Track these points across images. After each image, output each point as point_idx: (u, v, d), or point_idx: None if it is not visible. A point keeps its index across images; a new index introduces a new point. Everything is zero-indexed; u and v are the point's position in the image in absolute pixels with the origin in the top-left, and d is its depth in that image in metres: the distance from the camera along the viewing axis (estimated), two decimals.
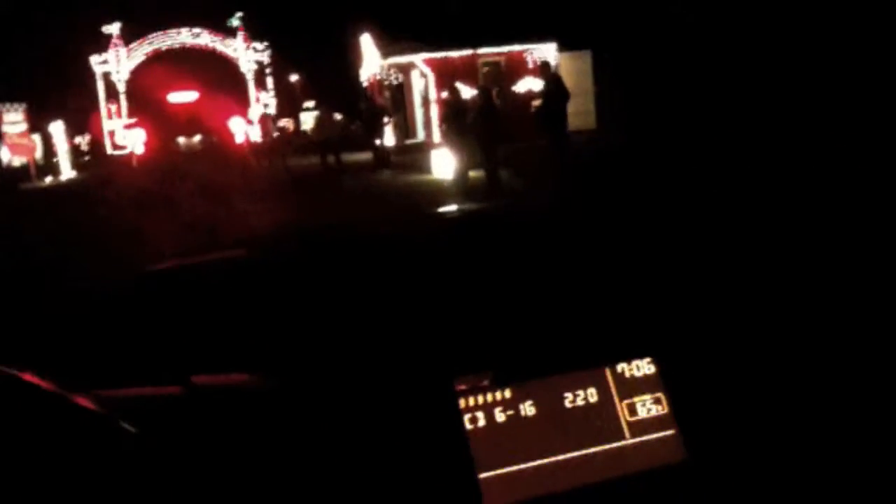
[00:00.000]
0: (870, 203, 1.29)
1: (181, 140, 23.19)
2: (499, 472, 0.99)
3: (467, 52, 19.25)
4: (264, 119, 21.09)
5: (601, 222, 1.23)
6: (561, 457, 0.99)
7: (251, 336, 1.10)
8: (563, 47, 18.84)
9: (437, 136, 18.82)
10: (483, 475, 0.98)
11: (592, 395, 1.00)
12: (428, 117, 19.98)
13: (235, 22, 21.52)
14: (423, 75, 19.90)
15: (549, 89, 10.58)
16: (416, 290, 1.12)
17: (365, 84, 23.53)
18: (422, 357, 1.04)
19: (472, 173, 10.53)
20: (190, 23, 21.12)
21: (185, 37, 21.06)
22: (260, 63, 21.70)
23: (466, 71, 19.48)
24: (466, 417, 1.00)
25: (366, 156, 17.15)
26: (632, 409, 1.01)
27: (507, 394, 1.01)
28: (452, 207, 1.49)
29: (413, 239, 1.22)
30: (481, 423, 0.99)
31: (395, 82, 19.92)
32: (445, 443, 0.99)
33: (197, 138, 23.22)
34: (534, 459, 0.99)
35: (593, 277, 1.13)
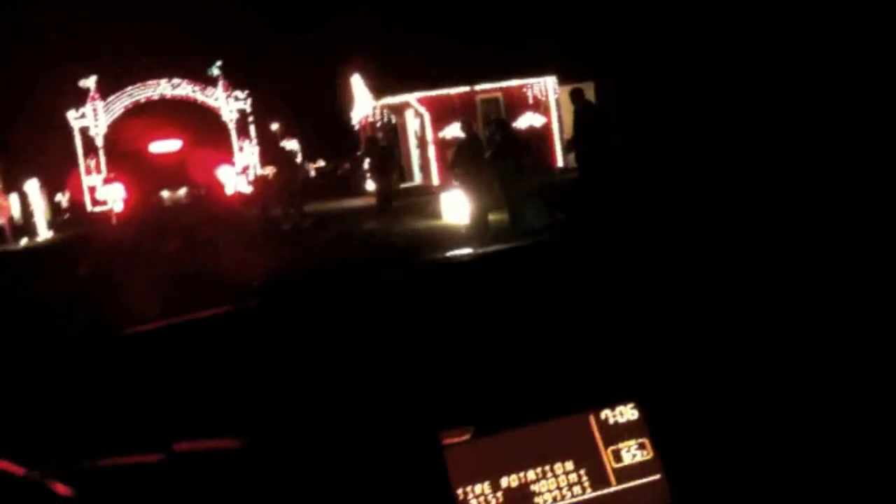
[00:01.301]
0: (862, 238, 1.36)
1: (165, 194, 23.24)
2: None
3: (464, 88, 19.62)
4: (246, 169, 21.46)
5: (584, 266, 1.31)
6: None
7: (237, 396, 1.17)
8: (563, 80, 19.22)
9: (436, 178, 19.08)
10: None
11: (576, 442, 1.07)
12: (425, 158, 20.27)
13: (215, 71, 22.15)
14: (418, 115, 20.27)
15: (582, 117, 10.45)
16: (398, 342, 1.19)
17: (356, 127, 23.96)
18: (407, 412, 1.10)
19: (491, 215, 10.44)
20: (169, 73, 21.69)
21: (164, 88, 21.64)
22: (242, 111, 22.25)
23: (464, 108, 19.85)
24: (451, 468, 1.06)
25: (359, 201, 17.34)
26: (617, 456, 1.08)
27: (491, 443, 1.07)
28: (458, 251, 1.57)
29: (394, 289, 1.30)
30: (465, 473, 1.06)
31: (388, 123, 20.27)
32: (431, 496, 1.05)
33: (182, 191, 23.27)
34: None
35: (576, 323, 1.21)
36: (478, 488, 1.05)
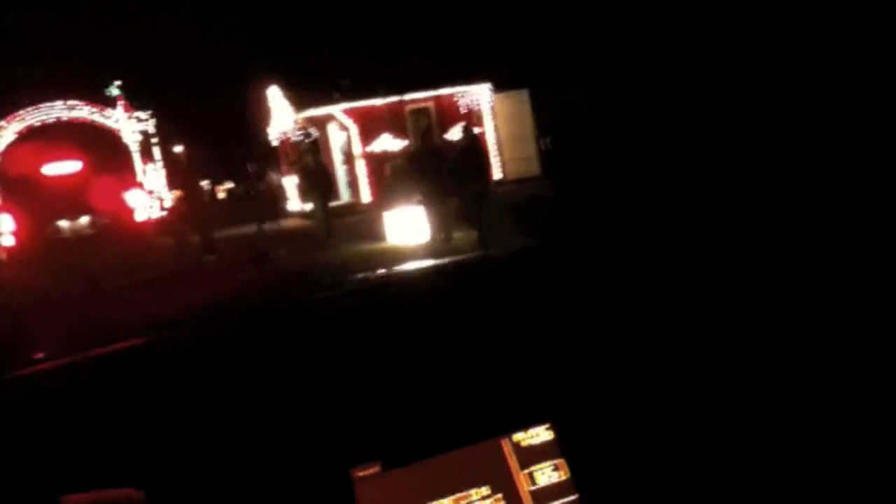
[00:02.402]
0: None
1: (64, 224, 21.87)
2: None
3: (393, 99, 19.69)
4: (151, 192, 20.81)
5: (495, 288, 1.38)
6: None
7: (136, 441, 1.17)
8: (497, 87, 19.53)
9: (366, 195, 19.06)
10: None
11: (491, 466, 1.13)
12: (353, 175, 20.21)
13: (115, 91, 21.61)
14: (344, 128, 20.21)
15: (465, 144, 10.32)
16: (305, 375, 1.23)
17: (275, 143, 23.69)
18: (315, 447, 1.14)
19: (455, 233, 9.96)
20: (65, 95, 21.05)
21: (59, 110, 21.01)
22: (145, 133, 21.73)
23: (393, 120, 19.92)
24: (362, 501, 1.10)
25: (289, 222, 17.07)
26: (532, 479, 1.14)
27: (403, 475, 1.12)
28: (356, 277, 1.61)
29: (299, 320, 1.34)
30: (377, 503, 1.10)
31: (309, 138, 20.11)
32: None
33: (84, 220, 21.94)
34: None
35: (487, 346, 1.27)
36: None
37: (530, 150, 19.43)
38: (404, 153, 16.69)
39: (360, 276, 1.61)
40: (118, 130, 21.08)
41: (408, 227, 11.20)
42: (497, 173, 20.08)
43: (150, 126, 21.44)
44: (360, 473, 1.11)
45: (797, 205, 1.68)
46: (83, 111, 21.00)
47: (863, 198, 1.68)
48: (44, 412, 1.18)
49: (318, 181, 13.41)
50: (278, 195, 20.93)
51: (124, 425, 1.18)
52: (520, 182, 18.08)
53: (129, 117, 21.15)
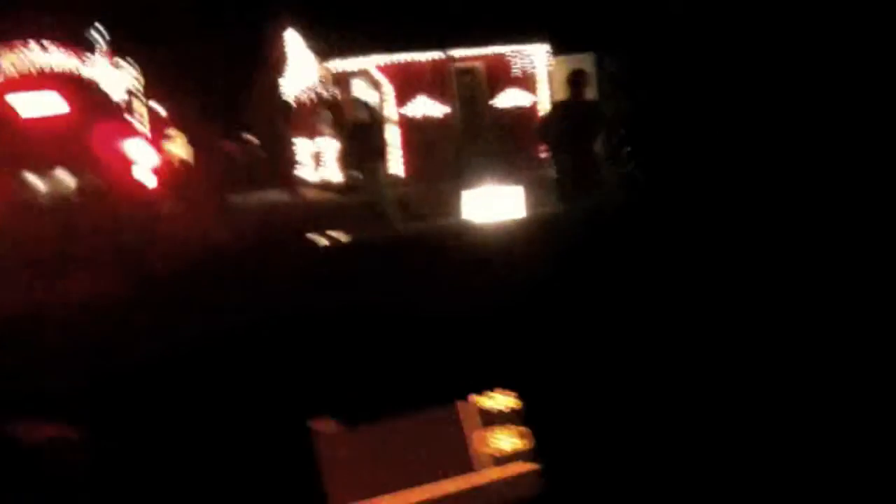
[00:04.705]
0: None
1: (37, 182, 17.87)
2: None
3: (435, 55, 19.47)
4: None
5: (472, 256, 1.70)
6: (422, 492, 1.44)
7: (83, 378, 1.43)
8: (557, 50, 19.28)
9: (397, 167, 19.09)
10: None
11: (454, 428, 1.47)
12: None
13: (96, 35, 21.46)
14: (376, 86, 20.06)
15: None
16: (271, 330, 1.56)
17: (288, 100, 23.46)
18: (276, 398, 1.47)
19: None
20: (41, 37, 21.15)
21: (36, 54, 21.14)
22: (129, 83, 21.37)
23: (435, 80, 19.77)
24: (321, 455, 1.43)
25: (312, 193, 17.09)
26: (493, 443, 1.49)
27: (365, 432, 1.45)
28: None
29: (269, 273, 1.68)
30: (336, 460, 1.44)
31: (332, 97, 19.78)
32: (300, 481, 1.41)
33: (68, 180, 17.92)
34: (394, 494, 1.43)
35: (458, 308, 1.60)
36: (351, 479, 1.42)
37: None
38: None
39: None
40: (97, 80, 20.80)
41: (497, 210, 10.71)
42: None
43: (136, 75, 21.05)
44: (322, 428, 1.45)
45: (798, 204, 1.98)
46: (60, 56, 21.04)
47: (863, 198, 1.97)
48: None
49: (377, 147, 13.11)
50: (283, 160, 20.89)
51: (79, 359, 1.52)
52: None
53: (112, 65, 20.82)
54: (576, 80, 10.08)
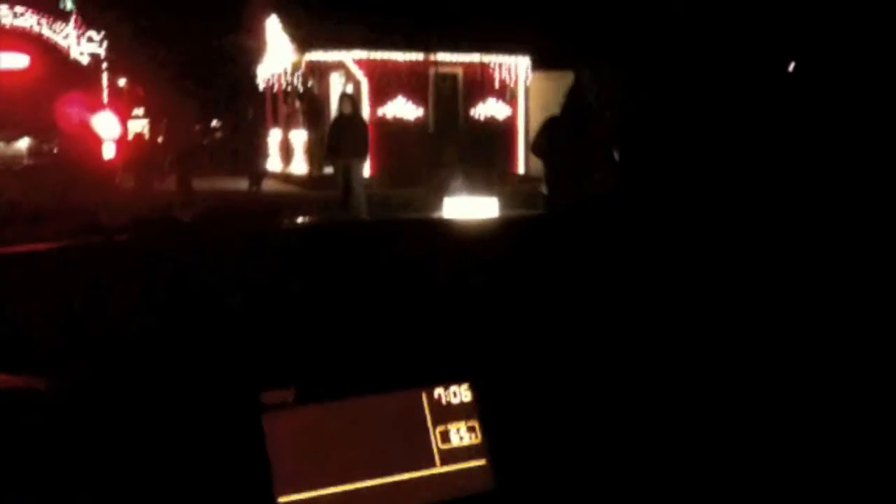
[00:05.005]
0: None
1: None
2: (301, 496, 1.27)
3: (415, 57, 19.53)
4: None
5: (438, 244, 1.57)
6: (368, 482, 1.28)
7: (49, 331, 1.34)
8: (538, 65, 19.44)
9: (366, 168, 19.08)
10: (283, 499, 1.26)
11: (405, 418, 1.31)
12: None
13: (69, 4, 21.33)
14: (353, 81, 20.10)
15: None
16: (225, 296, 1.42)
17: (262, 88, 23.54)
18: (225, 367, 1.32)
19: None
20: (14, 2, 20.89)
21: (4, 16, 20.84)
22: (96, 56, 21.20)
23: (412, 82, 19.81)
24: (269, 435, 1.28)
25: (280, 186, 17.12)
26: (445, 437, 1.33)
27: (314, 411, 1.30)
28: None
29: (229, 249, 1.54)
30: (284, 441, 1.28)
31: (304, 88, 19.80)
32: (245, 462, 1.27)
33: (21, 142, 17.41)
34: (339, 484, 1.28)
35: (418, 297, 1.47)
36: (297, 457, 1.27)
37: None
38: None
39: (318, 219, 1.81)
40: (67, 48, 20.76)
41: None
42: (521, 167, 20.15)
43: (103, 48, 20.97)
44: (271, 401, 1.29)
45: (796, 205, 1.88)
46: (30, 20, 20.84)
47: (863, 198, 1.88)
48: None
49: (359, 142, 13.19)
50: (262, 150, 20.96)
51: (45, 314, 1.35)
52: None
53: (80, 35, 20.76)
54: (570, 92, 10.23)
